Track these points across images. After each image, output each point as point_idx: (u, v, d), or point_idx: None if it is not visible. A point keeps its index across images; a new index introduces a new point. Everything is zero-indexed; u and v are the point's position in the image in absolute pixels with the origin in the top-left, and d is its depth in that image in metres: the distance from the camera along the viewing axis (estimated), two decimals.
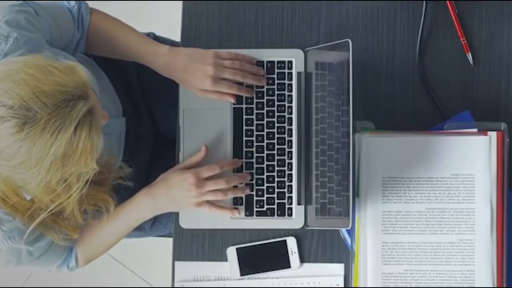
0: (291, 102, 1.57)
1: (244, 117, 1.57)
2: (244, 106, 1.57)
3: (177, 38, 1.66)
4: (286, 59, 1.58)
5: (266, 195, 1.56)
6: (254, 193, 1.56)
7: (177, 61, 1.51)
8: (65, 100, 1.18)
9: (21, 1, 1.38)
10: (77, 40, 1.52)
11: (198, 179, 1.48)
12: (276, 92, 1.57)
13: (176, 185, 1.49)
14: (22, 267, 1.46)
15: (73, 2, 1.50)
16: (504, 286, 1.51)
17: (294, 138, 1.57)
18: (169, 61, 1.52)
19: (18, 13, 1.35)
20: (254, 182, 1.56)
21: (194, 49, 1.54)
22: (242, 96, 1.57)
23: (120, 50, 1.54)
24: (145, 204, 1.50)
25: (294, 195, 1.56)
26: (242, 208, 1.57)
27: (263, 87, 1.57)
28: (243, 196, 1.55)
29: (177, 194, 1.49)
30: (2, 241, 1.35)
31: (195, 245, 1.58)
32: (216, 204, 1.52)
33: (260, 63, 1.58)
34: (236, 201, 1.57)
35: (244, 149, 1.57)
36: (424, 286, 1.51)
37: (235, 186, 1.54)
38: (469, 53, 1.58)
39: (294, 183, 1.56)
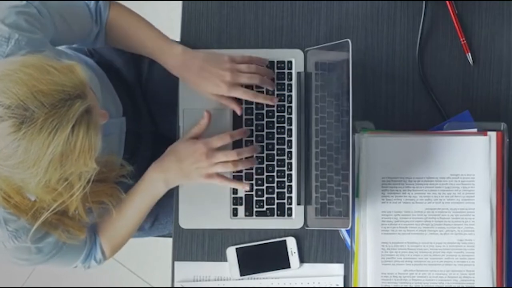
0: (290, 102, 1.57)
1: (244, 117, 1.57)
2: (243, 106, 1.57)
3: (177, 38, 1.66)
4: (285, 59, 1.58)
5: (265, 195, 1.56)
6: (253, 193, 1.56)
7: (192, 64, 1.51)
8: (63, 100, 1.18)
9: (24, 2, 1.38)
10: (96, 33, 1.52)
11: (208, 149, 1.48)
12: (276, 92, 1.57)
13: (186, 156, 1.49)
14: (24, 268, 1.45)
15: None
16: (504, 286, 1.51)
17: (293, 138, 1.57)
18: (183, 63, 1.52)
19: (18, 14, 1.35)
20: (254, 182, 1.56)
21: (209, 53, 1.54)
22: (274, 104, 1.57)
23: (135, 45, 1.54)
24: (157, 179, 1.51)
25: (294, 195, 1.56)
26: (242, 208, 1.57)
27: (262, 87, 1.57)
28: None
29: (187, 165, 1.49)
30: (8, 241, 1.35)
31: (195, 245, 1.58)
32: (226, 177, 1.52)
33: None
34: (236, 201, 1.57)
35: None
36: (424, 286, 1.51)
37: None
38: (469, 53, 1.58)
39: (293, 183, 1.56)
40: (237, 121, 1.57)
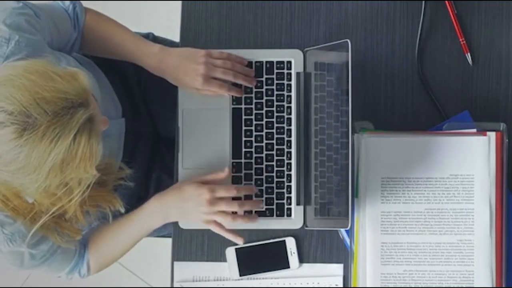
0: (290, 103, 1.57)
1: (243, 117, 1.57)
2: (243, 106, 1.57)
3: (176, 38, 1.66)
4: (285, 60, 1.58)
5: (265, 196, 1.56)
6: (253, 193, 1.56)
7: (169, 60, 1.52)
8: (65, 108, 1.18)
9: (21, 4, 1.38)
10: (74, 40, 1.52)
11: (212, 197, 1.47)
12: (275, 93, 1.57)
13: (190, 198, 1.48)
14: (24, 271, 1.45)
15: (67, 2, 1.51)
16: (503, 286, 1.51)
17: (293, 139, 1.57)
18: (161, 60, 1.52)
19: (18, 15, 1.35)
20: (253, 182, 1.56)
21: (186, 48, 1.55)
22: (241, 96, 1.57)
23: (113, 49, 1.54)
24: (156, 211, 1.50)
25: (293, 195, 1.56)
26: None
27: (261, 87, 1.57)
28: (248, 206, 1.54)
29: (188, 206, 1.48)
30: (3, 244, 1.35)
31: (194, 246, 1.58)
32: (223, 227, 1.51)
33: (258, 63, 1.58)
34: None
35: (243, 150, 1.57)
36: (423, 287, 1.51)
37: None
38: (468, 54, 1.58)
39: (293, 184, 1.56)
40: (236, 121, 1.57)
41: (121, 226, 1.51)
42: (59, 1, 1.51)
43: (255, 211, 1.56)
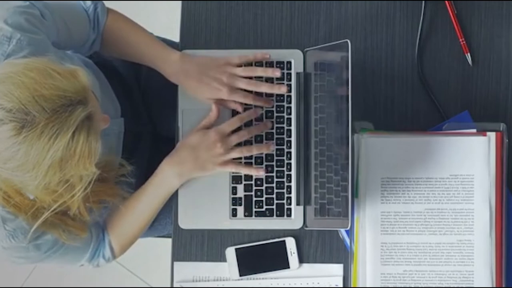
0: (290, 103, 1.57)
1: None
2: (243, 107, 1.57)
3: (176, 38, 1.66)
4: (285, 60, 1.58)
5: (265, 196, 1.56)
6: (253, 193, 1.56)
7: (189, 70, 1.52)
8: (64, 105, 1.18)
9: (28, 3, 1.38)
10: (92, 40, 1.52)
11: (221, 136, 1.49)
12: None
13: (200, 145, 1.49)
14: (24, 267, 1.45)
15: (89, 2, 1.50)
16: (503, 286, 1.52)
17: (293, 139, 1.57)
18: (181, 70, 1.52)
19: (21, 14, 1.35)
20: (253, 182, 1.56)
21: (206, 58, 1.54)
22: (271, 106, 1.57)
23: (132, 53, 1.54)
24: (171, 173, 1.51)
25: (293, 195, 1.56)
26: (241, 208, 1.57)
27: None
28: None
29: (202, 154, 1.49)
30: (5, 240, 1.35)
31: (194, 246, 1.58)
32: (240, 163, 1.53)
33: (258, 64, 1.57)
34: (235, 202, 1.56)
35: None
36: (423, 287, 1.51)
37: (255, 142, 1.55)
38: (468, 54, 1.58)
39: (293, 184, 1.56)
40: None
41: (138, 200, 1.52)
42: (80, 1, 1.51)
43: (256, 213, 1.56)
